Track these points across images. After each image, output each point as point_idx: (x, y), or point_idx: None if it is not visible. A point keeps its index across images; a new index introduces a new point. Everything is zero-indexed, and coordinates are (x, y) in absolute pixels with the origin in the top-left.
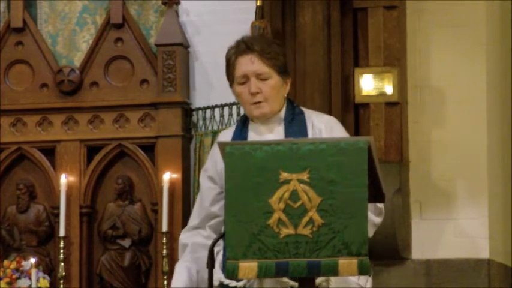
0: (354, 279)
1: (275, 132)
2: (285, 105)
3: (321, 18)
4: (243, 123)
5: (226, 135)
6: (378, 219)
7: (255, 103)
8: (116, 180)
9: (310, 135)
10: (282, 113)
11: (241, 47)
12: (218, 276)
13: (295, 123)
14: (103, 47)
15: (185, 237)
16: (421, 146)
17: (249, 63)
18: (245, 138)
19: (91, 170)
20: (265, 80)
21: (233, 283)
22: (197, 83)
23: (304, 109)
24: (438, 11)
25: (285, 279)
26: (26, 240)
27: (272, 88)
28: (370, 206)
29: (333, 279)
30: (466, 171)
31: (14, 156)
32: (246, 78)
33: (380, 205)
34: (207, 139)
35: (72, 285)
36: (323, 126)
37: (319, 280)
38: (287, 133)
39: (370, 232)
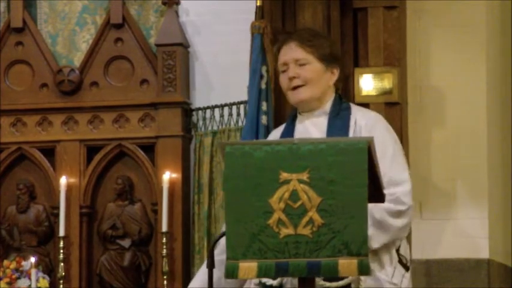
0: (387, 278)
1: (318, 126)
2: (332, 99)
3: (321, 18)
4: (293, 116)
5: (278, 129)
6: (397, 222)
7: (293, 88)
8: (115, 180)
9: (351, 131)
10: (328, 107)
11: (284, 37)
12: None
13: (339, 118)
14: (103, 47)
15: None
16: (421, 146)
17: (288, 51)
18: (293, 130)
19: (91, 170)
20: (303, 65)
21: (269, 281)
22: (197, 83)
23: (352, 105)
24: (438, 11)
25: (321, 281)
26: (26, 240)
27: (311, 72)
28: (384, 209)
29: (363, 279)
30: (466, 171)
31: (14, 156)
32: (286, 66)
33: (398, 207)
34: (207, 139)
35: (72, 285)
36: (364, 123)
37: (349, 280)
38: (329, 127)
39: (385, 238)
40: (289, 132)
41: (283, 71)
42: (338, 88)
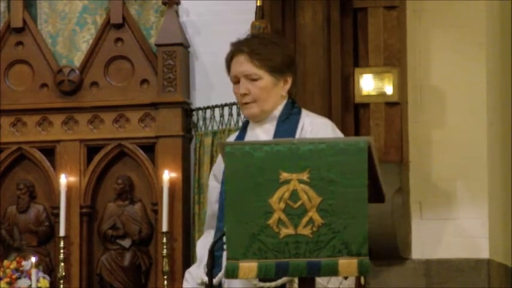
0: (323, 281)
1: (266, 131)
2: (283, 104)
3: (321, 18)
4: (246, 123)
5: (233, 136)
6: None
7: (244, 103)
8: (116, 180)
9: (297, 136)
10: (278, 112)
11: (233, 48)
12: (201, 275)
13: (287, 123)
14: (103, 47)
15: (199, 243)
16: (421, 146)
17: (238, 65)
18: (244, 136)
19: (91, 170)
20: (254, 80)
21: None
22: (197, 83)
23: (303, 110)
24: (438, 11)
25: (254, 281)
26: (26, 240)
27: (261, 89)
28: None
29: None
30: (466, 171)
31: (14, 156)
32: (236, 79)
33: None
34: (207, 139)
35: (72, 285)
36: (310, 129)
37: (283, 280)
38: (276, 132)
39: None
40: (240, 139)
41: (235, 83)
42: (291, 93)
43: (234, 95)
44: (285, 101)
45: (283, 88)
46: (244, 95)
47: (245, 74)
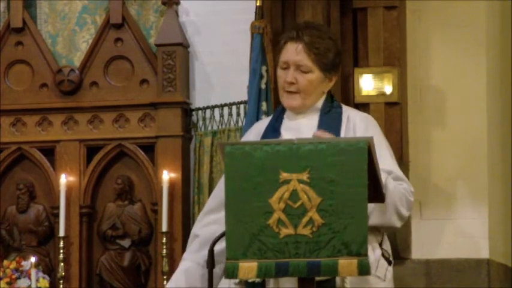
0: (372, 270)
1: (309, 122)
2: (323, 98)
3: (321, 18)
4: (282, 109)
5: (264, 122)
6: (407, 213)
7: (288, 92)
8: (115, 180)
9: (343, 127)
10: (320, 104)
11: (292, 34)
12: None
13: (330, 115)
14: (103, 47)
15: (197, 227)
16: (421, 146)
17: (294, 52)
18: (280, 123)
19: (91, 170)
20: (305, 72)
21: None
22: (197, 83)
23: (343, 105)
24: (438, 11)
25: None
26: (26, 240)
27: (309, 82)
28: (403, 198)
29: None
30: (466, 171)
31: (14, 156)
32: (286, 65)
33: (411, 198)
34: (206, 139)
35: (72, 285)
36: (358, 119)
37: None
38: (321, 122)
39: (397, 223)
40: (275, 126)
41: (283, 68)
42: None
43: (277, 79)
44: (324, 96)
45: (327, 85)
46: (291, 83)
47: (298, 64)
